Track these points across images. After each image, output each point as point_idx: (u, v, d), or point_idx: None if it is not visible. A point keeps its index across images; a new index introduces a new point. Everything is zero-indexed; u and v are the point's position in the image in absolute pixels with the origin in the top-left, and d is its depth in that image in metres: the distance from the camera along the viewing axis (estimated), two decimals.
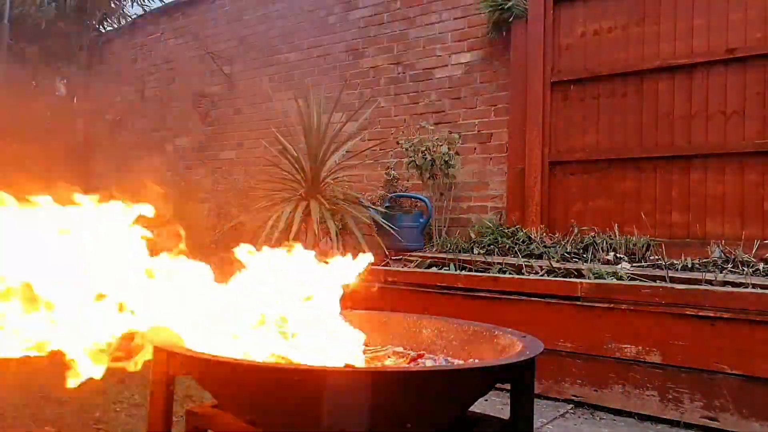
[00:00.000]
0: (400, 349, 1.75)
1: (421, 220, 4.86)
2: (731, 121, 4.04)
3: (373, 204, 4.85)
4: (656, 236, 3.96)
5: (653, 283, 2.70)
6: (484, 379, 1.38)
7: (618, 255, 3.63)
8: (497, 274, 3.35)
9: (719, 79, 4.09)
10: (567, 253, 3.70)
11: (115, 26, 9.38)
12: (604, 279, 2.93)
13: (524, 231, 4.28)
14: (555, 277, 3.09)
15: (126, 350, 1.36)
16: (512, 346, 1.49)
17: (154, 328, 1.37)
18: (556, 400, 2.77)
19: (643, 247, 3.73)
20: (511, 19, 4.93)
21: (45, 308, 1.32)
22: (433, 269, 3.81)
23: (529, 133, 4.72)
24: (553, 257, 3.55)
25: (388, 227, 4.44)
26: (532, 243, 4.02)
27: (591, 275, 3.00)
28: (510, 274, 3.37)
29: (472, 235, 4.51)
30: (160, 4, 8.78)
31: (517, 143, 4.83)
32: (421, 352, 1.71)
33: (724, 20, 4.08)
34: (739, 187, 4.00)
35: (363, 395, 1.11)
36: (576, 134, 4.62)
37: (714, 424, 2.42)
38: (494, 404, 2.31)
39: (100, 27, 9.42)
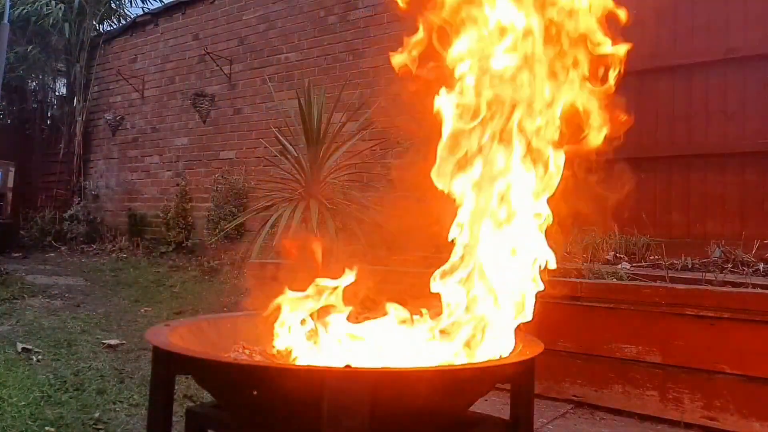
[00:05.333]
0: None
1: None
2: (731, 121, 4.04)
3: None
4: (656, 236, 3.95)
5: (653, 283, 2.70)
6: (484, 379, 1.38)
7: (618, 255, 3.62)
8: None
9: (719, 79, 4.09)
10: (567, 253, 3.70)
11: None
12: (604, 279, 2.93)
13: None
14: (555, 277, 3.08)
15: None
16: (512, 346, 1.49)
17: None
18: (556, 400, 2.77)
19: (643, 247, 3.72)
20: None
21: None
22: None
23: None
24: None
25: None
26: None
27: (591, 275, 3.00)
28: None
29: None
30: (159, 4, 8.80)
31: None
32: None
33: (724, 20, 4.07)
34: (739, 187, 3.99)
35: (363, 395, 1.11)
36: None
37: (714, 424, 2.41)
38: (494, 404, 2.30)
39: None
